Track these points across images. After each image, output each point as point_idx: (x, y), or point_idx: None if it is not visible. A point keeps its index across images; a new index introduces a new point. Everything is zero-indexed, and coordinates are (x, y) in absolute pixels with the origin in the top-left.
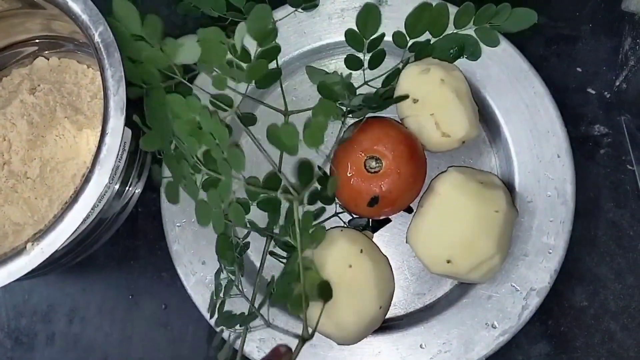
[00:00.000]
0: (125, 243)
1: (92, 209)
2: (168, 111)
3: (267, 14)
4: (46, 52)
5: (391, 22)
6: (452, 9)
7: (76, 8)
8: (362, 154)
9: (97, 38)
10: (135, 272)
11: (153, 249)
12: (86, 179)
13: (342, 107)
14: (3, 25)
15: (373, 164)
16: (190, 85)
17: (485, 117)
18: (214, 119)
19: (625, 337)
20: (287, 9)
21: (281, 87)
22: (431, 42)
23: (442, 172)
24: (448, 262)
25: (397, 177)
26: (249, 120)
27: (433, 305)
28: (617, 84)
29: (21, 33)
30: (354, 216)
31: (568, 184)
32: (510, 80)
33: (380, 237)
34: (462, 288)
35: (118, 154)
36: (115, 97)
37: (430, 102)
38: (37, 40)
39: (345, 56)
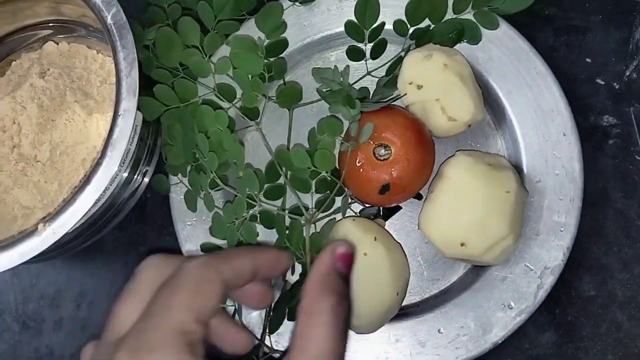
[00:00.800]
0: (133, 228)
1: (103, 191)
2: (195, 123)
3: (279, 10)
4: (56, 36)
5: (390, 10)
6: None
7: None
8: (371, 142)
9: (109, 20)
10: (143, 257)
11: (161, 234)
12: (98, 162)
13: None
14: (11, 8)
15: (382, 151)
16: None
17: (489, 100)
18: (232, 137)
19: (632, 327)
20: (285, 2)
21: (284, 81)
22: (430, 28)
23: (451, 157)
24: (462, 245)
25: (406, 164)
26: (252, 113)
27: (448, 289)
28: (627, 74)
29: (30, 17)
30: (365, 205)
31: (575, 162)
32: (512, 62)
33: (391, 225)
34: (476, 271)
35: (130, 137)
36: (127, 79)
37: (435, 87)
38: (46, 25)
39: (346, 47)
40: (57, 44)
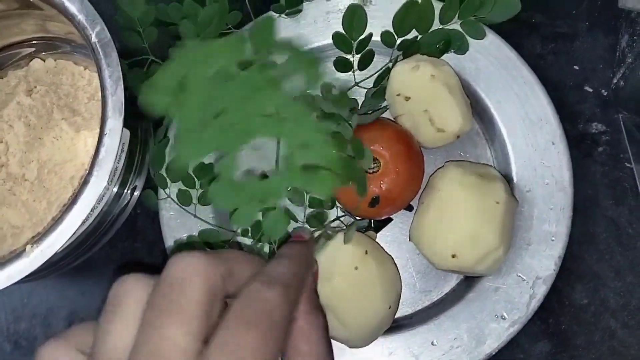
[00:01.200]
0: (124, 245)
1: (91, 210)
2: None
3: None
4: (42, 53)
5: (377, 22)
6: (437, 5)
7: (72, 8)
8: None
9: (94, 38)
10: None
11: (152, 250)
12: (85, 181)
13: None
14: None
15: (371, 164)
16: None
17: (477, 110)
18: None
19: (626, 334)
20: (271, 15)
21: None
22: (418, 39)
23: (440, 168)
24: (453, 256)
25: (396, 176)
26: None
27: (440, 301)
28: (615, 81)
29: (16, 34)
30: (356, 218)
31: (565, 170)
32: (499, 72)
33: (383, 237)
34: (468, 282)
35: (117, 155)
36: (113, 97)
37: (423, 98)
38: (33, 42)
39: (334, 59)
40: (44, 60)
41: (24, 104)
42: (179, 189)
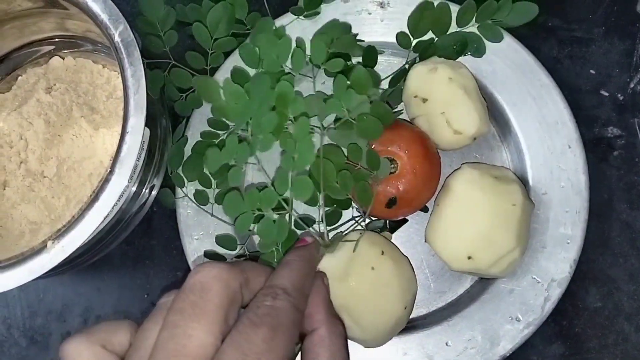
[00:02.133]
0: (140, 242)
1: (112, 208)
2: None
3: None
4: (62, 51)
5: (394, 24)
6: (454, 8)
7: (96, 7)
8: None
9: (117, 37)
10: (150, 271)
11: (168, 248)
12: (106, 179)
13: None
14: (17, 24)
15: (387, 174)
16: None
17: (493, 113)
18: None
19: (639, 338)
20: (290, 16)
21: None
22: (434, 41)
23: (456, 170)
24: (469, 258)
25: (413, 177)
26: None
27: (455, 302)
28: (631, 86)
29: (36, 33)
30: (372, 218)
31: (581, 174)
32: (515, 75)
33: (398, 238)
34: (483, 284)
35: (138, 153)
36: (135, 95)
37: (440, 100)
38: (52, 40)
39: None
40: (63, 58)
41: (44, 102)
42: (196, 189)
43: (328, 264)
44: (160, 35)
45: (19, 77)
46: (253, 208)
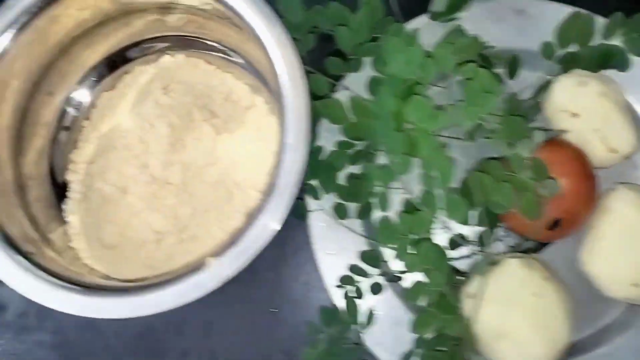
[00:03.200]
0: (264, 253)
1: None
2: None
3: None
4: (172, 49)
5: (531, 32)
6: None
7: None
8: None
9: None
10: (277, 285)
11: (296, 261)
12: (270, 191)
13: None
14: (139, 23)
15: (556, 190)
16: None
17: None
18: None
19: None
20: (423, 17)
21: None
22: (577, 52)
23: (612, 190)
24: (634, 285)
25: (576, 197)
26: None
27: (605, 329)
28: None
29: (153, 31)
30: (521, 240)
31: None
32: None
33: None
34: (635, 310)
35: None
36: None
37: (593, 116)
38: (165, 36)
39: None
40: (173, 57)
41: (163, 103)
42: (337, 202)
43: (488, 288)
44: (300, 39)
45: (125, 75)
46: (406, 233)
